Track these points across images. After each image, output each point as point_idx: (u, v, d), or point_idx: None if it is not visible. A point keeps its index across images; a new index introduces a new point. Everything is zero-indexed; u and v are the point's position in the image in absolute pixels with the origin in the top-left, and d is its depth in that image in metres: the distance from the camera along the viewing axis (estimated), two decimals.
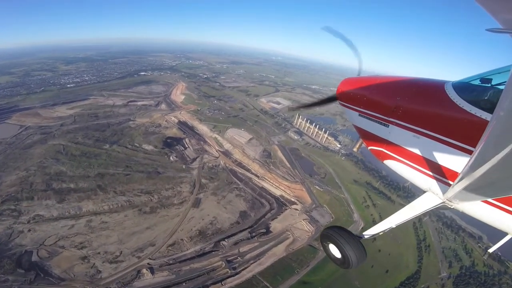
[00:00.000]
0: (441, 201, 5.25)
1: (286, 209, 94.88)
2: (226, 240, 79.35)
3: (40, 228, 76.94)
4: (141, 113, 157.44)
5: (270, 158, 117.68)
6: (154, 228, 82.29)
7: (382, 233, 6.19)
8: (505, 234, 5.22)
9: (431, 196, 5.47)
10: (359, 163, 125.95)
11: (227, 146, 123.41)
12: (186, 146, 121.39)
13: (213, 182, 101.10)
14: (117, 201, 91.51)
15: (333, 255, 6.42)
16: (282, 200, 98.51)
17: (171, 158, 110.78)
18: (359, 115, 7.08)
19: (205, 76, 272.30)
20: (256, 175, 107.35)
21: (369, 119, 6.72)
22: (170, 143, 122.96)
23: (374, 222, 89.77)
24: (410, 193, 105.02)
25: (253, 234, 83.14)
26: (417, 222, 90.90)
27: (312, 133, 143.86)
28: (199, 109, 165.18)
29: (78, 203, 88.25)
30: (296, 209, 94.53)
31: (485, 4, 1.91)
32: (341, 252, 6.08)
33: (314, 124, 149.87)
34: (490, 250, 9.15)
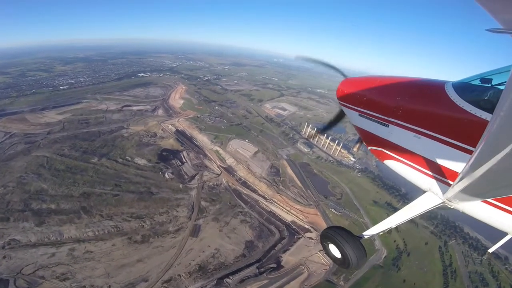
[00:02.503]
0: (441, 201, 5.19)
1: (299, 238, 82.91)
2: (230, 277, 69.55)
3: (17, 255, 68.28)
4: (136, 119, 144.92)
5: (279, 176, 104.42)
6: (147, 260, 71.83)
7: (381, 233, 6.22)
8: (505, 234, 5.13)
9: (431, 196, 5.41)
10: (377, 180, 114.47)
11: (230, 161, 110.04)
12: (184, 160, 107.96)
13: (214, 205, 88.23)
14: (104, 226, 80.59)
15: (333, 255, 6.37)
16: (294, 227, 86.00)
17: (166, 175, 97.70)
18: (359, 115, 6.97)
19: (206, 78, 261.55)
20: (263, 197, 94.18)
21: (369, 119, 6.64)
22: (166, 156, 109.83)
23: (398, 249, 79.07)
24: (432, 213, 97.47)
25: (262, 269, 72.78)
26: (443, 247, 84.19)
27: (323, 145, 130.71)
28: (198, 116, 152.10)
29: (59, 227, 77.90)
30: (311, 238, 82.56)
31: (485, 4, 1.90)
32: (341, 252, 6.07)
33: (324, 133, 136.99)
34: (490, 250, 7.38)
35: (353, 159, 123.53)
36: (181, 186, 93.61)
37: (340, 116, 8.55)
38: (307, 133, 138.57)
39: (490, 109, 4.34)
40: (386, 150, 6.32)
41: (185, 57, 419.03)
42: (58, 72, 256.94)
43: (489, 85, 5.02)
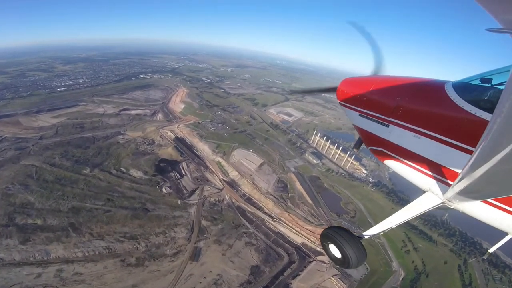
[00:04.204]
0: (441, 201, 5.19)
1: (310, 262, 75.20)
2: None
3: (0, 274, 63.17)
4: (134, 124, 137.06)
5: (287, 191, 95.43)
6: (142, 286, 65.97)
7: (382, 233, 6.18)
8: (505, 234, 5.17)
9: (431, 196, 5.39)
10: (391, 194, 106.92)
11: (233, 174, 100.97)
12: (183, 173, 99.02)
13: (216, 225, 79.75)
14: (94, 247, 73.33)
15: (333, 255, 6.42)
16: (304, 249, 78.08)
17: (163, 189, 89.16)
18: (359, 115, 6.98)
19: (208, 80, 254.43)
20: (270, 216, 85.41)
21: (369, 119, 6.64)
22: (164, 168, 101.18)
23: (417, 270, 77.70)
24: (451, 229, 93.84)
25: None
26: (462, 265, 79.95)
27: (332, 156, 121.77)
28: (200, 122, 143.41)
29: (45, 245, 71.59)
30: (324, 262, 74.79)
31: (485, 4, 1.91)
32: (341, 252, 6.10)
33: (333, 143, 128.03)
34: (490, 250, 6.94)
35: (365, 172, 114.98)
36: (179, 202, 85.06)
37: None
38: (316, 142, 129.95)
39: (490, 109, 4.27)
40: (386, 150, 6.21)
41: (188, 58, 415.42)
42: (58, 73, 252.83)
43: (489, 85, 4.94)
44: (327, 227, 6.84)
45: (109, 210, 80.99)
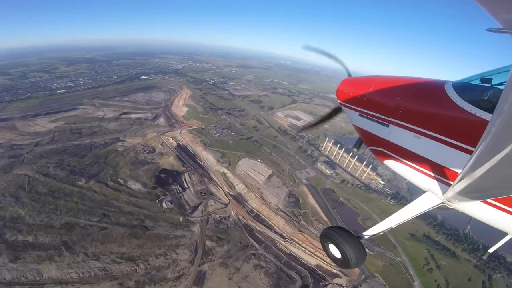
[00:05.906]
0: (441, 201, 5.16)
1: (326, 286, 68.00)
2: None
3: None
4: (134, 130, 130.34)
5: (299, 206, 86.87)
6: None
7: (382, 233, 6.14)
8: (505, 234, 5.12)
9: (431, 196, 5.33)
10: None
11: (239, 187, 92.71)
12: (185, 185, 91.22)
13: (221, 246, 72.12)
14: (89, 267, 67.79)
15: (333, 255, 6.37)
16: (319, 272, 70.34)
17: (164, 204, 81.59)
18: (359, 115, 6.89)
19: (212, 81, 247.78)
20: (281, 236, 77.29)
21: (369, 119, 6.55)
22: (164, 179, 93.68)
23: None
24: (475, 244, 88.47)
25: None
26: (486, 281, 76.07)
27: (346, 165, 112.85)
28: (203, 127, 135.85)
29: (37, 265, 67.24)
30: (340, 285, 68.22)
31: (485, 4, 1.93)
32: (341, 252, 6.07)
33: (347, 151, 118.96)
34: (490, 250, 6.98)
35: (382, 182, 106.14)
36: (181, 219, 77.45)
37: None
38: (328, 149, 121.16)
39: (490, 109, 4.27)
40: (386, 150, 6.12)
41: (192, 59, 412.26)
42: (59, 74, 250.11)
43: (489, 85, 4.92)
44: (326, 227, 6.70)
45: (105, 228, 74.36)
